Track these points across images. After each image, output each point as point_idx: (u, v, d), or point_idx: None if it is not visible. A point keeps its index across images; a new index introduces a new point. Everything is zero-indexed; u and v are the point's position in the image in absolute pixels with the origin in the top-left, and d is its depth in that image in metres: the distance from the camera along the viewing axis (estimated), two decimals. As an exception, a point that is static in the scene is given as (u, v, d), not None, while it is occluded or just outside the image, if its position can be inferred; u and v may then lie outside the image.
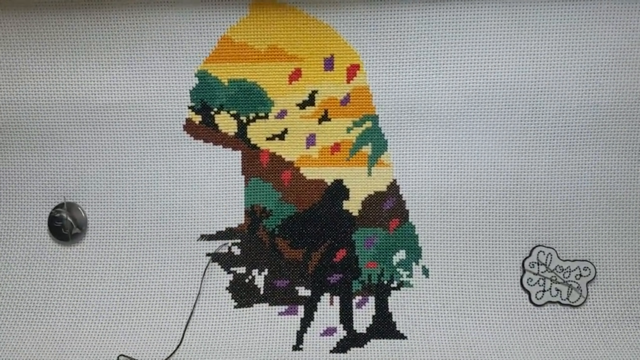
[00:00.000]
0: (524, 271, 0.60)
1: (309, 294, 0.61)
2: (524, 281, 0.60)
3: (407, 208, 0.61)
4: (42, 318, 0.59)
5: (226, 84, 0.60)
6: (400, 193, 0.61)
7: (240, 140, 0.61)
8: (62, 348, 0.57)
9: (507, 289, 0.60)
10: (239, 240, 0.61)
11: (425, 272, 0.61)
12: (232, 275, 0.61)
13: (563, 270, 0.60)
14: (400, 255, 0.61)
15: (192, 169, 0.61)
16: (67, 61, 0.59)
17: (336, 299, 0.60)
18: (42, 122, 0.60)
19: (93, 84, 0.59)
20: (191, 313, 0.59)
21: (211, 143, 0.61)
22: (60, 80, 0.59)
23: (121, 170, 0.61)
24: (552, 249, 0.60)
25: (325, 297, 0.61)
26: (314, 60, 0.59)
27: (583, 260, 0.60)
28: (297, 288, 0.61)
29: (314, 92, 0.60)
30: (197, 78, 0.59)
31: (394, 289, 0.60)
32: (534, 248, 0.60)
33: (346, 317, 0.59)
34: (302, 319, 0.59)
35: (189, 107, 0.60)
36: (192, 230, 0.61)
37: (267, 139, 0.61)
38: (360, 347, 0.57)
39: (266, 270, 0.61)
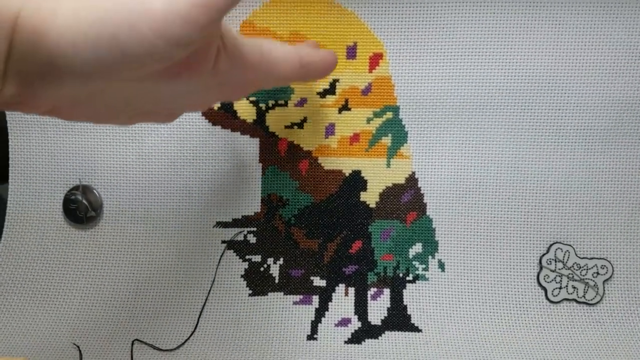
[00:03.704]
0: (541, 268, 0.60)
1: (324, 284, 0.60)
2: (541, 278, 0.59)
3: (425, 201, 0.61)
4: (56, 301, 0.59)
5: (247, 70, 0.59)
6: (419, 186, 0.61)
7: (258, 128, 0.60)
8: (76, 331, 0.57)
9: (524, 285, 0.59)
10: (255, 229, 0.61)
11: (441, 266, 0.60)
12: (247, 263, 0.61)
13: (580, 267, 0.60)
14: (417, 248, 0.61)
15: (210, 155, 0.60)
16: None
17: (351, 290, 0.60)
18: (59, 104, 0.60)
19: (111, 66, 0.59)
20: (206, 299, 0.59)
21: (229, 130, 0.60)
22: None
23: (137, 154, 0.61)
24: (570, 246, 0.60)
25: (340, 287, 0.60)
26: (336, 47, 0.58)
27: (600, 259, 0.60)
28: (312, 278, 0.61)
29: (335, 80, 0.59)
30: (217, 63, 0.58)
31: (409, 281, 0.60)
32: (551, 245, 0.60)
33: (361, 309, 0.59)
34: (316, 309, 0.59)
35: (208, 93, 0.59)
36: (208, 216, 0.61)
37: (286, 127, 0.60)
38: (375, 338, 0.57)
39: (281, 259, 0.61)
